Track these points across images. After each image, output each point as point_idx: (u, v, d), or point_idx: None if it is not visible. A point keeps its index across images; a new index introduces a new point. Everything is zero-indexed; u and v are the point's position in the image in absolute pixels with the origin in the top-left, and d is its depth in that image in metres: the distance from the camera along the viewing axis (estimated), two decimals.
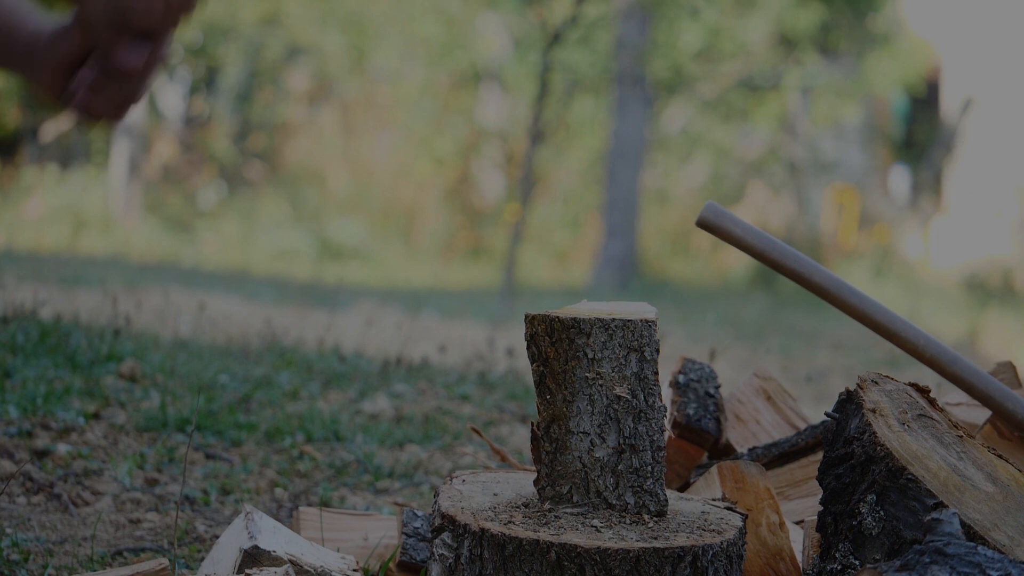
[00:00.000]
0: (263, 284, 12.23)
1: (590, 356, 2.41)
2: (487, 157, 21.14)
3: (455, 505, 2.48)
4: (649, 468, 2.47)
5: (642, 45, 17.34)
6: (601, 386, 2.42)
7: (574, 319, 2.41)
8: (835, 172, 20.95)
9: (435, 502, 2.50)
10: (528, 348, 2.45)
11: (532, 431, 2.47)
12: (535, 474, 2.51)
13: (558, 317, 2.41)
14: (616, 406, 2.43)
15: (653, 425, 2.47)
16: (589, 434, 2.42)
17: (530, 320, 2.43)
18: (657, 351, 2.47)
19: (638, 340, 2.44)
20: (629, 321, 2.43)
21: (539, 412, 2.45)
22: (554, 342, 2.41)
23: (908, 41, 20.30)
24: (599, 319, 2.42)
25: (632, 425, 2.45)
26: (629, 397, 2.44)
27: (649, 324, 2.45)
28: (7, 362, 4.92)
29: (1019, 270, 18.81)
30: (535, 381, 2.44)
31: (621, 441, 2.45)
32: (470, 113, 20.98)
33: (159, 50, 2.42)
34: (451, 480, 2.62)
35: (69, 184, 19.44)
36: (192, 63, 21.64)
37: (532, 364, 2.44)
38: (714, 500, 2.63)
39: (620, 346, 2.43)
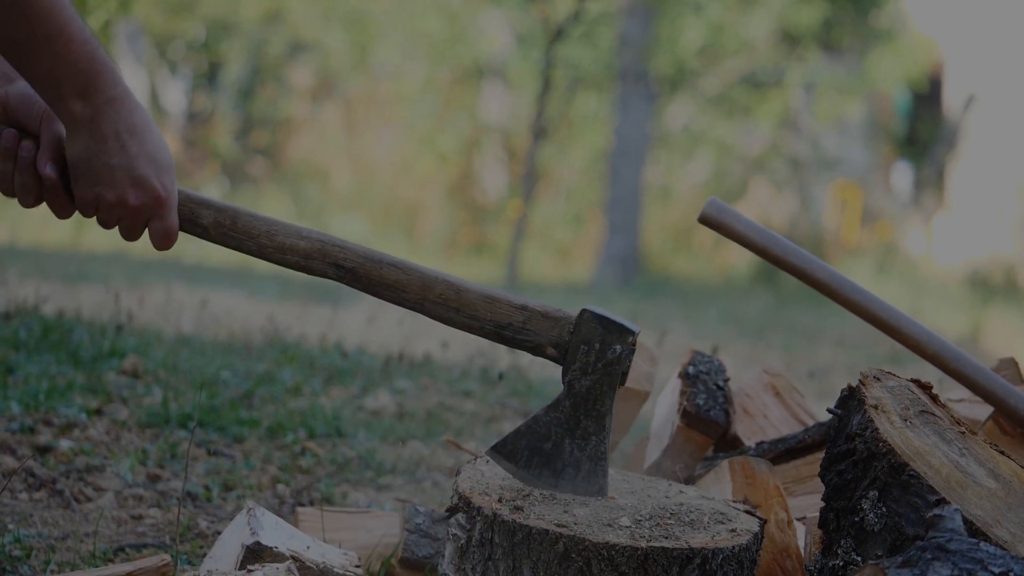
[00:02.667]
0: (265, 280, 12.23)
1: None
2: (490, 153, 21.13)
3: (472, 486, 2.47)
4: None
5: (645, 41, 17.33)
6: None
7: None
8: (838, 169, 20.92)
9: (455, 481, 2.50)
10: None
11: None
12: None
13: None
14: None
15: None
16: None
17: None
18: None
19: None
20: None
21: None
22: None
23: (911, 38, 20.28)
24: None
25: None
26: None
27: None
28: (10, 358, 4.92)
29: (1021, 267, 18.79)
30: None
31: None
32: (472, 109, 20.96)
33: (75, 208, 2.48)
34: (475, 460, 2.61)
35: None
36: (194, 59, 21.63)
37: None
38: (734, 502, 2.62)
39: None
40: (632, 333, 2.48)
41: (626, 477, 2.66)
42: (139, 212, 2.43)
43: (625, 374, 2.49)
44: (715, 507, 2.53)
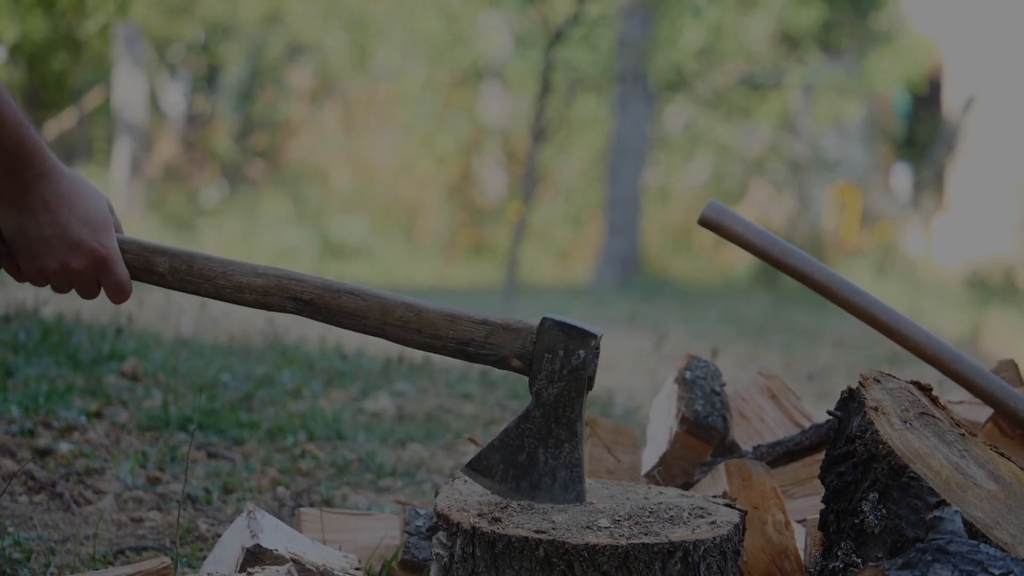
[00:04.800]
0: None
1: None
2: (489, 155, 21.14)
3: (450, 504, 2.48)
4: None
5: (644, 43, 17.33)
6: None
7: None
8: (837, 170, 20.93)
9: (435, 503, 2.51)
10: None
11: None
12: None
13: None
14: None
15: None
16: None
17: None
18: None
19: None
20: None
21: None
22: None
23: (910, 39, 20.28)
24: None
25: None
26: None
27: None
28: (9, 361, 4.92)
29: (1021, 268, 18.79)
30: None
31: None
32: (472, 111, 20.97)
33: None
34: (452, 480, 2.62)
35: None
36: (193, 61, 21.63)
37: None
38: (714, 496, 2.63)
39: None
40: (594, 336, 2.49)
41: (605, 483, 2.67)
42: (84, 274, 2.47)
43: (591, 378, 2.50)
44: (695, 503, 2.54)
